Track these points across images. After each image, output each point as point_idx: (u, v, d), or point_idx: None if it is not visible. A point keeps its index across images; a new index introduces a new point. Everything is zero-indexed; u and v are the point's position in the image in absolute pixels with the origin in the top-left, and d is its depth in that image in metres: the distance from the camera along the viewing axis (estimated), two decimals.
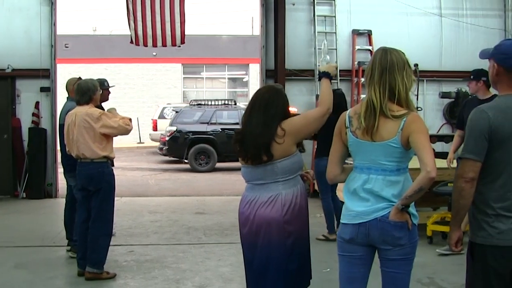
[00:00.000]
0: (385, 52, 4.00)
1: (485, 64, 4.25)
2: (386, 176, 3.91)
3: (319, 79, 4.79)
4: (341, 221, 4.09)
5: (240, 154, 4.57)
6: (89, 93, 7.22)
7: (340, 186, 7.66)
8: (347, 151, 4.14)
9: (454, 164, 8.19)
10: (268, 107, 4.49)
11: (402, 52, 4.04)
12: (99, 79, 8.34)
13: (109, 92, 8.63)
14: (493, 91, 7.78)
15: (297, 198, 4.49)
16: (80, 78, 8.31)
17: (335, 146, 4.17)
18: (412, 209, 3.92)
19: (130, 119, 7.45)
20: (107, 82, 8.61)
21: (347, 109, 4.23)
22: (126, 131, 7.27)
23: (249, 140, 4.46)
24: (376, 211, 3.90)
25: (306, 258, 4.61)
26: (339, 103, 8.89)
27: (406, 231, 3.88)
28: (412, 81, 3.99)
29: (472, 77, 8.11)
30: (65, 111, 7.79)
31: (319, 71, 4.86)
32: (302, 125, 4.53)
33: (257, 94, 4.68)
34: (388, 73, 3.92)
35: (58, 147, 8.92)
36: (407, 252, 3.94)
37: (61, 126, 7.79)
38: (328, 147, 4.26)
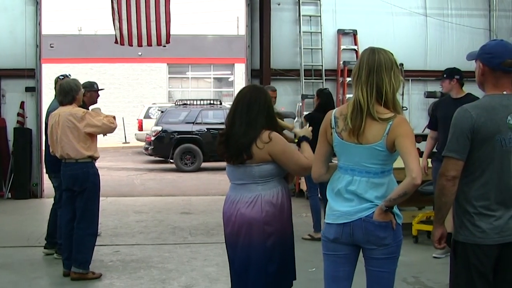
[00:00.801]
0: (372, 52, 3.95)
1: (470, 65, 4.26)
2: (370, 178, 3.89)
3: (297, 144, 4.74)
4: (326, 221, 4.08)
5: (224, 155, 4.56)
6: (72, 93, 7.18)
7: None
8: (332, 151, 4.11)
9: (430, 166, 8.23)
10: (251, 106, 4.46)
11: (390, 52, 3.99)
12: (89, 81, 8.33)
13: (98, 95, 8.55)
14: (466, 89, 7.83)
15: (278, 199, 4.45)
16: (65, 76, 8.25)
17: (320, 145, 4.14)
18: (395, 209, 3.91)
19: (114, 117, 7.43)
20: (97, 85, 8.50)
21: (334, 108, 4.20)
22: (110, 129, 7.25)
23: (233, 140, 4.44)
24: (360, 211, 3.89)
25: (289, 258, 4.57)
26: (327, 102, 8.93)
27: (390, 231, 3.88)
28: (400, 81, 3.95)
29: (445, 75, 7.95)
30: (52, 109, 7.73)
31: (295, 135, 4.81)
32: (287, 151, 4.41)
33: (240, 94, 4.63)
34: (376, 73, 3.87)
35: (43, 147, 8.86)
36: (391, 251, 3.93)
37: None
38: (315, 145, 4.24)
